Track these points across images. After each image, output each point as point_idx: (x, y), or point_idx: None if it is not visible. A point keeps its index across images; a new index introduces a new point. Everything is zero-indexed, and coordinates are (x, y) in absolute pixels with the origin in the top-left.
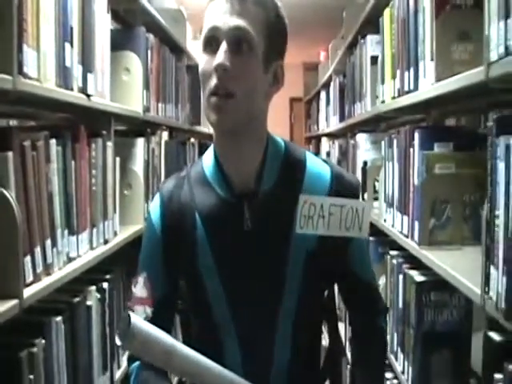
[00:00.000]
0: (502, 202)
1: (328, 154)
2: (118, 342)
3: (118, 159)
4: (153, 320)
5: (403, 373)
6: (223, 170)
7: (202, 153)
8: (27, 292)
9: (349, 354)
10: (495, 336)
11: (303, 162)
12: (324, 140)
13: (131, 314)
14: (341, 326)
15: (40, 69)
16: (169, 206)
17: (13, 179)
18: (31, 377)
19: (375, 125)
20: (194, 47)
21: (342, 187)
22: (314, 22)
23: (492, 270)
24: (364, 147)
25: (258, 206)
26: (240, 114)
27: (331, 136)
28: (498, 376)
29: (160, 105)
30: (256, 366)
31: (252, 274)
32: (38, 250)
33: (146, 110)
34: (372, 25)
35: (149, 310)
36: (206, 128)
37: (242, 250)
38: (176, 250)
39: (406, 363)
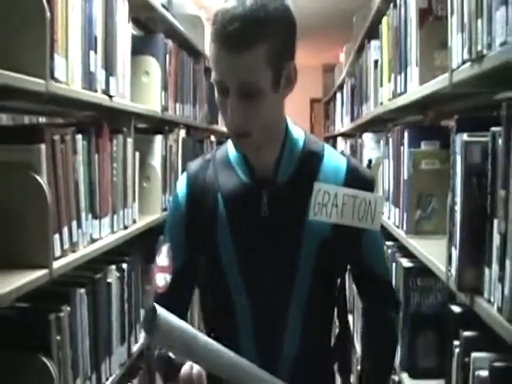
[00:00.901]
0: (459, 190)
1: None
2: (143, 334)
3: (137, 154)
4: (171, 287)
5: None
6: (245, 156)
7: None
8: (56, 264)
9: (357, 346)
10: (455, 308)
11: (321, 154)
12: (339, 140)
13: (156, 306)
14: (350, 318)
15: (68, 74)
16: (194, 186)
17: (44, 167)
18: (58, 338)
19: (383, 125)
20: None
21: (356, 180)
22: (333, 25)
23: (453, 250)
24: (369, 146)
25: (276, 194)
26: (258, 142)
27: (345, 136)
28: (456, 343)
29: (178, 105)
30: (268, 340)
31: (266, 257)
32: (65, 229)
33: (164, 109)
34: (375, 30)
35: (168, 278)
36: (223, 127)
37: (258, 233)
38: (198, 226)
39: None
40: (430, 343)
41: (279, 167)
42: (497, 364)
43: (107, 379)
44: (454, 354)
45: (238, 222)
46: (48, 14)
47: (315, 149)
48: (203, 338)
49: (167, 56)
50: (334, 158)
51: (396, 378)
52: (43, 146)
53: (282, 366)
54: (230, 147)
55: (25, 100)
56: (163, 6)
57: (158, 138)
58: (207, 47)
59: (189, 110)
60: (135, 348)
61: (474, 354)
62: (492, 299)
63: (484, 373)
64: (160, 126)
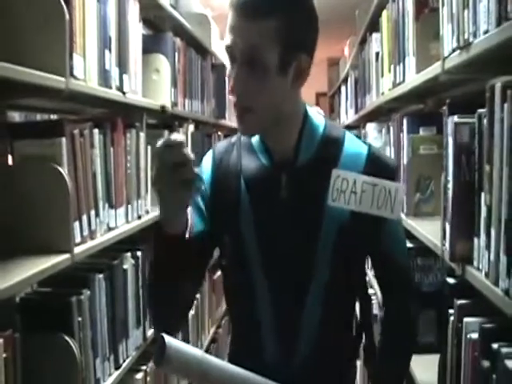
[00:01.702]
0: (451, 170)
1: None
2: (154, 365)
3: (149, 148)
4: (183, 248)
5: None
6: (265, 141)
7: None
8: (76, 250)
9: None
10: (450, 280)
11: (341, 140)
12: None
13: (165, 336)
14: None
15: (86, 71)
16: (219, 166)
17: (65, 159)
18: (79, 319)
19: (386, 115)
20: (221, 47)
21: (375, 168)
22: (337, 19)
23: (446, 225)
24: (372, 135)
25: (295, 177)
26: (260, 123)
27: (350, 127)
28: (451, 311)
29: (186, 100)
30: (287, 323)
31: (285, 240)
32: (84, 217)
33: (174, 105)
34: (376, 23)
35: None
36: (230, 122)
37: (277, 216)
38: (220, 206)
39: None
40: (431, 320)
41: (298, 152)
42: (486, 326)
43: (124, 361)
44: (449, 321)
45: (259, 204)
46: (67, 16)
47: (336, 135)
48: (215, 362)
49: (176, 54)
50: (355, 145)
51: None
52: (64, 140)
53: (300, 350)
54: None
55: (44, 97)
56: (171, 6)
57: (167, 133)
58: (214, 45)
59: (197, 105)
60: (149, 333)
61: (466, 319)
62: (480, 266)
63: (474, 335)
64: (170, 121)
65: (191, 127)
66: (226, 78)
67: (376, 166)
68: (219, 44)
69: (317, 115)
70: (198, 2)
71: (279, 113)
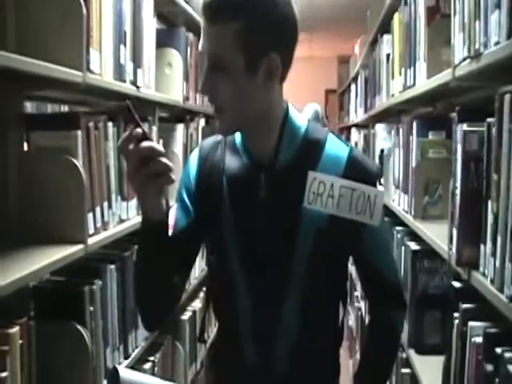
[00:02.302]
0: (459, 176)
1: (356, 143)
2: None
3: (161, 141)
4: (170, 241)
5: (399, 341)
6: (245, 141)
7: None
8: (90, 240)
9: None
10: (456, 284)
11: (322, 142)
12: (353, 130)
13: (118, 367)
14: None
15: (101, 66)
16: (204, 163)
17: (80, 151)
18: (91, 308)
19: (395, 116)
20: None
21: (354, 172)
22: (348, 17)
23: (454, 230)
24: (381, 136)
25: (274, 178)
26: (234, 123)
27: (358, 126)
28: (456, 315)
29: (198, 95)
30: (265, 322)
31: (264, 240)
32: (98, 209)
33: (186, 99)
34: (388, 25)
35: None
36: None
37: (256, 216)
38: (204, 200)
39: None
40: (436, 321)
41: (278, 152)
42: (490, 330)
43: (133, 351)
44: (454, 324)
45: (239, 203)
46: (84, 11)
47: (317, 137)
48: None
49: (188, 48)
50: (336, 147)
51: (403, 354)
52: (79, 132)
53: (279, 350)
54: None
55: (61, 90)
56: (185, 1)
57: (180, 127)
58: None
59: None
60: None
61: (471, 323)
62: (486, 272)
63: (479, 339)
64: (181, 115)
65: (202, 122)
66: None
67: (356, 169)
68: None
69: (299, 116)
70: None
71: (253, 112)
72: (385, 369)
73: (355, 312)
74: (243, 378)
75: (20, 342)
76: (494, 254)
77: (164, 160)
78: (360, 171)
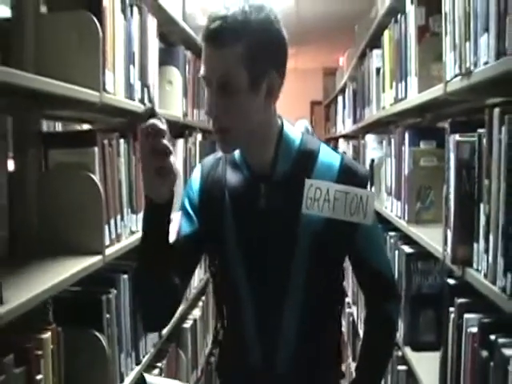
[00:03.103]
0: (452, 181)
1: (345, 153)
2: None
3: None
4: (175, 247)
5: (396, 329)
6: (244, 155)
7: None
8: (107, 251)
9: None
10: (451, 281)
11: (316, 152)
12: (341, 141)
13: (146, 375)
14: (354, 309)
15: (115, 85)
16: (206, 179)
17: (97, 167)
18: (108, 316)
19: (384, 127)
20: None
21: (347, 177)
22: (334, 30)
23: (448, 232)
24: (371, 146)
25: (272, 189)
26: (238, 141)
27: (347, 137)
28: (451, 309)
29: (195, 110)
30: (268, 325)
31: (265, 245)
32: (112, 221)
33: (185, 115)
34: (377, 40)
35: (173, 237)
36: None
37: (257, 224)
38: (208, 213)
39: (398, 321)
40: (430, 320)
41: (276, 165)
42: (484, 320)
43: (143, 356)
44: (450, 319)
45: (240, 214)
46: (101, 34)
47: (311, 147)
48: None
49: (187, 66)
50: (329, 156)
51: (399, 352)
52: (96, 149)
53: (282, 350)
54: None
55: (78, 109)
56: (182, 20)
57: (180, 142)
58: None
59: (203, 115)
60: (164, 331)
61: (466, 315)
62: (479, 268)
63: (474, 329)
64: (180, 130)
65: (199, 136)
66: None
67: (348, 175)
68: None
69: (293, 130)
70: (202, 14)
71: (256, 129)
72: (384, 356)
73: (346, 318)
74: (248, 379)
75: (51, 346)
76: (486, 251)
77: (171, 159)
78: (352, 176)
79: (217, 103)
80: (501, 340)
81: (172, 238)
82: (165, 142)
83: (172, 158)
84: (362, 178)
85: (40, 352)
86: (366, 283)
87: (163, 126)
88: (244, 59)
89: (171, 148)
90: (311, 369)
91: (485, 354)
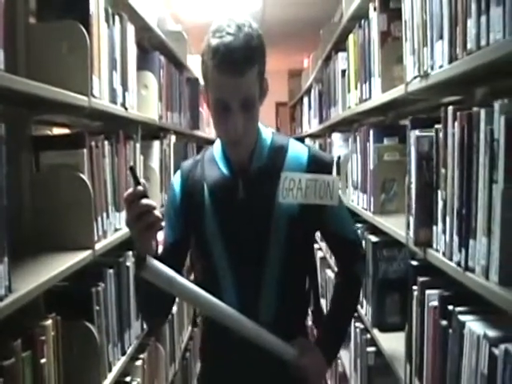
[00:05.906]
0: (413, 172)
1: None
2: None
3: (141, 158)
4: (162, 256)
5: (364, 312)
6: (226, 154)
7: (199, 153)
8: (97, 246)
9: None
10: (413, 262)
11: (286, 147)
12: (307, 140)
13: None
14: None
15: (100, 91)
16: (186, 181)
17: (86, 168)
18: (97, 308)
19: (349, 125)
20: (192, 61)
21: (316, 165)
22: (299, 33)
23: (410, 218)
24: (338, 144)
25: (249, 181)
26: (249, 147)
27: (313, 136)
28: (414, 287)
29: (169, 113)
30: (247, 302)
31: (244, 232)
32: (99, 219)
33: (160, 118)
34: (342, 43)
35: (160, 249)
36: (203, 132)
37: (237, 213)
38: (190, 212)
39: (365, 305)
40: (395, 303)
41: (252, 160)
42: (444, 294)
43: (128, 347)
44: (413, 296)
45: (220, 206)
46: (89, 43)
47: (281, 143)
48: (181, 278)
49: (161, 70)
50: (297, 149)
51: (368, 335)
52: (85, 151)
53: (262, 320)
54: (215, 149)
55: (68, 113)
56: (157, 26)
57: (156, 144)
58: (189, 60)
59: (177, 117)
60: (144, 325)
61: (428, 291)
62: (438, 248)
63: (435, 303)
64: (155, 132)
65: (173, 138)
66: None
67: (316, 163)
68: (191, 58)
69: (265, 128)
70: (171, 19)
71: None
72: (351, 305)
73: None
74: (232, 349)
75: (52, 333)
76: (444, 232)
77: (156, 213)
78: (320, 164)
79: (241, 123)
80: (457, 309)
81: (160, 249)
82: (156, 213)
83: (155, 212)
84: (328, 163)
85: (43, 338)
86: (336, 250)
87: (153, 203)
88: (258, 75)
89: (153, 203)
90: (288, 330)
91: (444, 323)
